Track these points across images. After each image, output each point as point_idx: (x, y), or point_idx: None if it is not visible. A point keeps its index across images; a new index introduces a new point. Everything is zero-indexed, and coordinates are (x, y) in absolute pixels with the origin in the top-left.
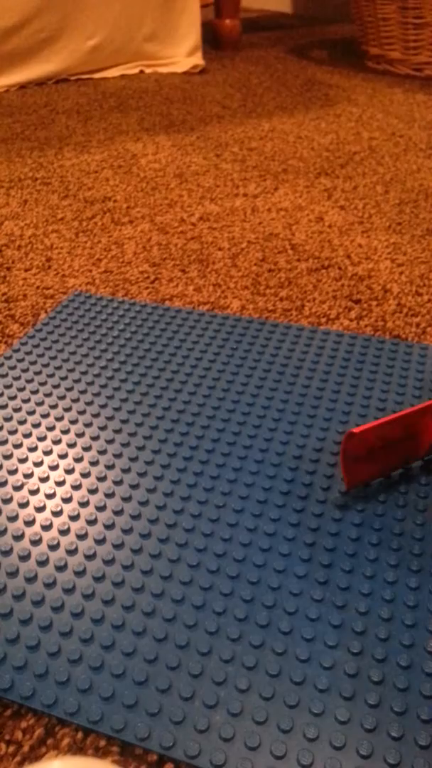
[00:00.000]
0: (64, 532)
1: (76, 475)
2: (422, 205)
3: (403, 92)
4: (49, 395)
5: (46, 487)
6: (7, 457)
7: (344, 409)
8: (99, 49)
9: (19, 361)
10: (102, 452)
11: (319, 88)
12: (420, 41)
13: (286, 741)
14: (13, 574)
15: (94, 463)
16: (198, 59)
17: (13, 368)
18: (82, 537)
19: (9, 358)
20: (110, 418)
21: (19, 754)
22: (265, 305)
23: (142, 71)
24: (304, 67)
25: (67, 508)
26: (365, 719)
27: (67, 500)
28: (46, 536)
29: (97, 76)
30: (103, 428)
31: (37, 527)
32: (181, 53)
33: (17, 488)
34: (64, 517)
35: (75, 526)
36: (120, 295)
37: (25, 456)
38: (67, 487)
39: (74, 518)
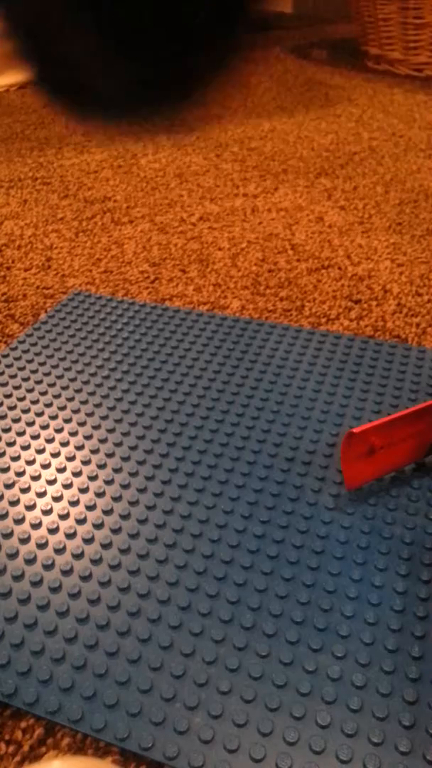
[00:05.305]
0: (52, 531)
1: (67, 473)
2: (422, 205)
3: (403, 92)
4: (44, 393)
5: (32, 493)
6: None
7: (339, 411)
8: None
9: (17, 359)
10: (94, 451)
11: (319, 88)
12: (420, 41)
13: (265, 744)
14: None
15: (85, 462)
16: None
17: (9, 366)
18: (70, 536)
19: (6, 356)
20: (104, 418)
21: (19, 754)
22: (265, 305)
23: None
24: (304, 67)
25: (57, 507)
26: (345, 723)
27: (57, 498)
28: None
29: None
30: (96, 427)
31: (26, 537)
32: None
33: (9, 486)
34: (53, 516)
35: (64, 525)
36: (120, 294)
37: (18, 455)
38: (57, 485)
39: (63, 517)
